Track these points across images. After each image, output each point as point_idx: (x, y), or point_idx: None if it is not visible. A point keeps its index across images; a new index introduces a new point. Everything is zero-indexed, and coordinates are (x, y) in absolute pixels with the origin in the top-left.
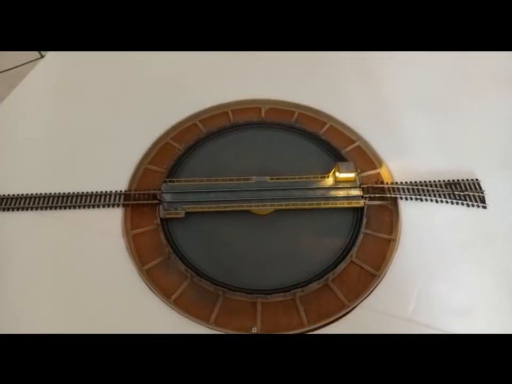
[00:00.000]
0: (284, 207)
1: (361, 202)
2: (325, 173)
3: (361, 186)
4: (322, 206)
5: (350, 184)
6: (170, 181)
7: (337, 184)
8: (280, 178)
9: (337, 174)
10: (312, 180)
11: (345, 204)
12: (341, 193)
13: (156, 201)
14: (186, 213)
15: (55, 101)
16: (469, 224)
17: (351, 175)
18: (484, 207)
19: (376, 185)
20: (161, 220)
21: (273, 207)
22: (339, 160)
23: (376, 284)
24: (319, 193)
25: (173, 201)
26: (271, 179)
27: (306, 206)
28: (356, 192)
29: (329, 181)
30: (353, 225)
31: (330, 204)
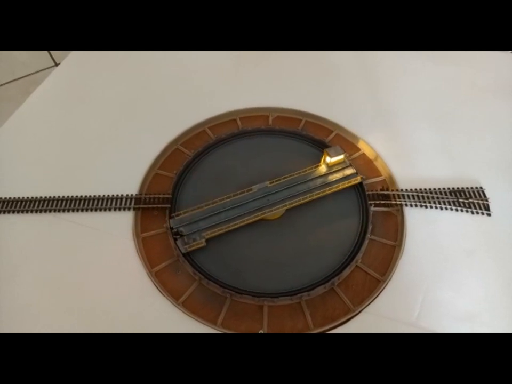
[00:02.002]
0: (294, 204)
1: (358, 178)
2: (316, 163)
3: (367, 192)
4: (328, 192)
5: (342, 165)
6: (176, 215)
7: (331, 169)
8: (279, 180)
9: (328, 159)
10: (308, 171)
11: (346, 184)
12: (338, 175)
13: (166, 205)
14: (207, 240)
15: (69, 107)
16: (473, 231)
17: (341, 157)
18: (488, 215)
19: (381, 192)
20: (171, 228)
21: (285, 208)
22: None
23: (381, 289)
24: (319, 181)
25: (190, 233)
26: (270, 183)
27: (314, 196)
28: (350, 170)
29: (323, 168)
30: (359, 231)
31: (334, 188)
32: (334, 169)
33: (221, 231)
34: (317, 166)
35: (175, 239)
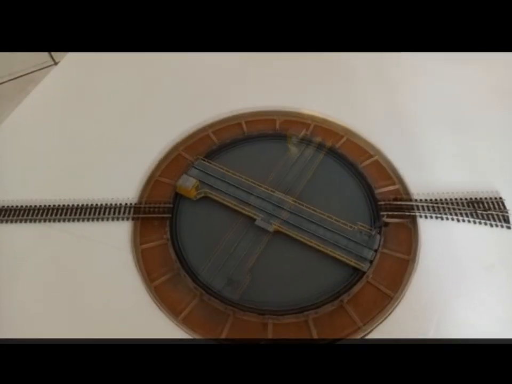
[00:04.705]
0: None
1: (330, 142)
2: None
3: (378, 203)
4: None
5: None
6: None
7: (301, 147)
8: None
9: (294, 140)
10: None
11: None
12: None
13: (167, 215)
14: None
15: (67, 109)
16: (492, 245)
17: (302, 133)
18: (508, 227)
19: (394, 203)
20: (171, 234)
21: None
22: (355, 175)
23: (393, 307)
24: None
25: (229, 277)
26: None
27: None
28: (318, 139)
29: (294, 150)
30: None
31: (338, 255)
32: (304, 146)
33: (256, 255)
34: (351, 227)
35: (219, 293)
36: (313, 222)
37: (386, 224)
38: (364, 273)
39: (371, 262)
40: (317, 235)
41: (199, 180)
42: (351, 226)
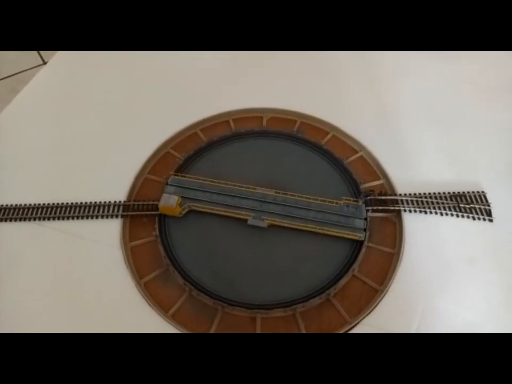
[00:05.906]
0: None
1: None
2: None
3: (364, 198)
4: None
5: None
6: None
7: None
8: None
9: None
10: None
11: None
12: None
13: (156, 212)
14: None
15: (55, 110)
16: (474, 238)
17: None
18: (490, 220)
19: (379, 197)
20: (160, 231)
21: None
22: (341, 170)
23: (379, 300)
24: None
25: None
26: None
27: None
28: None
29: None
30: None
31: (334, 232)
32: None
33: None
34: (337, 203)
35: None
36: (302, 208)
37: (372, 191)
38: (351, 265)
39: (365, 230)
40: (310, 219)
41: (180, 196)
42: (337, 203)
